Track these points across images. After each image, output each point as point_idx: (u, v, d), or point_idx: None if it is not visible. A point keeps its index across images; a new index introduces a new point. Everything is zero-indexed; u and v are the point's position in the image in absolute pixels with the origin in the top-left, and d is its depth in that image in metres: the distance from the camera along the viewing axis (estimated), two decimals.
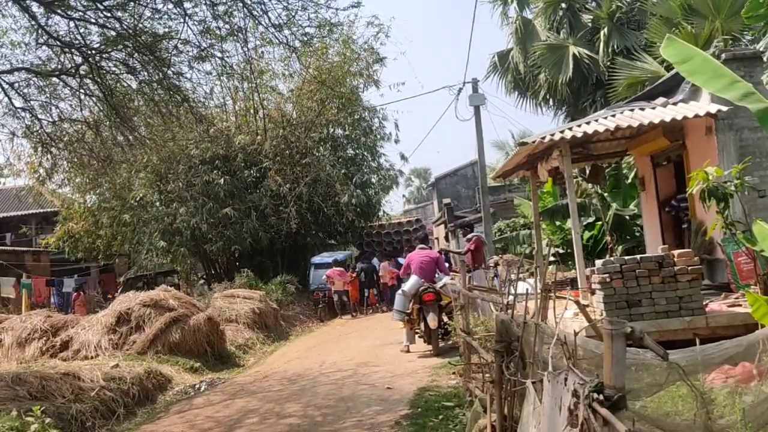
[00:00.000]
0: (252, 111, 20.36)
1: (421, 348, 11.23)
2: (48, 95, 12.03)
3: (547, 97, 20.61)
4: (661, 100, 9.25)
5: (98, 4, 9.97)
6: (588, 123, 9.01)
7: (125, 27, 10.19)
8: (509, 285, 4.91)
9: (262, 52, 12.55)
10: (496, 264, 16.17)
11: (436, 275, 11.42)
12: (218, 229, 20.94)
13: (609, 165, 13.91)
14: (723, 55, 8.42)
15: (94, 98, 11.78)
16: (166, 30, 10.65)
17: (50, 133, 12.61)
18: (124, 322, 12.36)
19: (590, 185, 14.76)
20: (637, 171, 12.60)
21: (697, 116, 8.38)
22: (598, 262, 7.21)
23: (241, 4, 9.90)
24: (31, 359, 11.50)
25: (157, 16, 10.34)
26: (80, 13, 10.31)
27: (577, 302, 3.82)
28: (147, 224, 22.16)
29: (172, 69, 11.12)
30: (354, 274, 20.55)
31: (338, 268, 20.43)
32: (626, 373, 2.33)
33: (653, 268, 6.87)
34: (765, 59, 8.86)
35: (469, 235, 13.82)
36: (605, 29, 18.34)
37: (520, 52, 20.76)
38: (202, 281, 24.66)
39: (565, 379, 2.43)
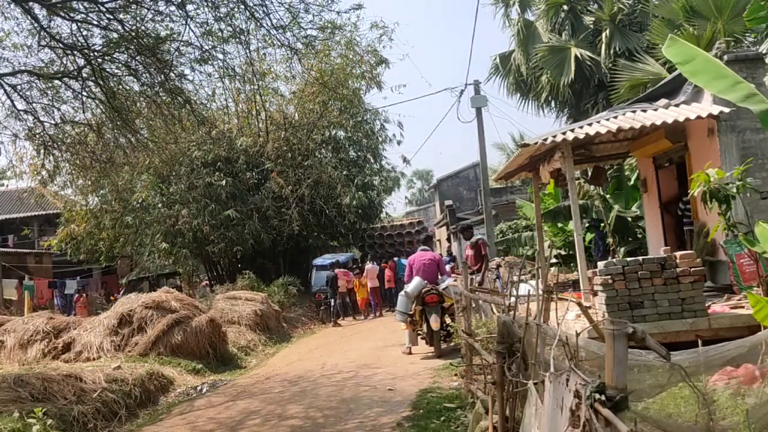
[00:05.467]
0: (254, 113, 20.40)
1: (423, 350, 11.22)
2: (50, 97, 12.07)
3: (549, 98, 20.60)
4: (663, 101, 9.23)
5: (100, 7, 10.00)
6: (590, 124, 9.00)
7: (127, 29, 10.21)
8: (511, 287, 4.90)
9: (264, 54, 12.59)
10: (498, 266, 16.17)
11: (439, 277, 11.43)
12: (220, 231, 20.95)
13: (611, 167, 13.90)
14: (725, 57, 8.40)
15: (96, 100, 11.81)
16: (168, 32, 10.69)
17: (53, 135, 12.64)
18: (126, 324, 12.37)
19: (592, 187, 14.75)
20: (639, 173, 12.59)
21: (699, 118, 8.36)
22: (600, 264, 7.19)
23: (243, 7, 9.92)
24: (33, 361, 11.51)
25: (159, 19, 10.39)
26: (82, 15, 10.34)
27: (579, 304, 3.82)
28: (149, 226, 22.19)
29: (174, 71, 11.14)
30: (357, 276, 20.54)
31: (342, 270, 20.38)
32: (628, 374, 2.32)
33: (655, 270, 6.86)
34: (767, 61, 8.84)
35: (473, 239, 13.72)
36: (607, 31, 18.33)
37: (522, 54, 20.76)
38: (204, 283, 24.69)
39: (567, 380, 2.42)
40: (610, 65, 17.02)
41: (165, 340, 11.89)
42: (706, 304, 7.01)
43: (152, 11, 10.23)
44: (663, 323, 6.75)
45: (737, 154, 8.42)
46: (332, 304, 19.55)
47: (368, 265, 21.34)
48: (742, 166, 6.24)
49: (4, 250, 26.07)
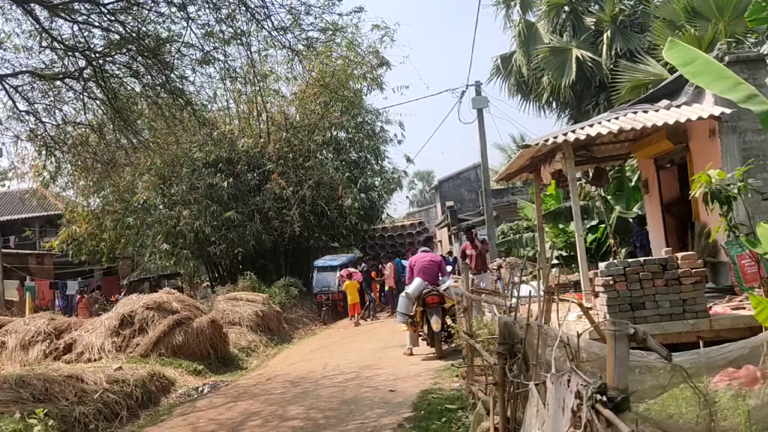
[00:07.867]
0: (255, 114, 20.43)
1: (424, 351, 11.22)
2: (52, 98, 12.08)
3: (550, 99, 20.61)
4: (664, 102, 9.23)
5: (102, 8, 10.01)
6: (591, 125, 8.99)
7: (129, 30, 10.22)
8: (512, 288, 4.90)
9: (266, 55, 12.59)
10: (499, 267, 16.16)
11: (439, 278, 11.43)
12: (221, 232, 20.96)
13: (612, 168, 13.89)
14: (726, 58, 8.40)
15: (97, 101, 11.82)
16: (170, 33, 10.70)
17: (54, 136, 12.65)
18: (127, 325, 12.37)
19: (593, 188, 14.74)
20: (640, 174, 12.59)
21: (700, 119, 8.36)
22: (602, 265, 7.19)
23: (244, 8, 9.93)
24: (35, 362, 11.51)
25: (160, 20, 10.40)
26: (84, 16, 10.36)
27: (581, 305, 3.82)
28: (150, 227, 22.20)
29: (176, 72, 11.15)
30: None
31: (350, 269, 20.31)
32: (630, 375, 2.32)
33: (657, 271, 6.86)
34: None
35: (481, 237, 13.48)
36: (608, 32, 18.34)
37: (523, 55, 20.77)
38: (205, 284, 24.70)
39: (568, 381, 2.42)
40: (612, 66, 17.03)
41: (166, 341, 11.89)
42: (708, 305, 7.01)
43: (153, 13, 10.25)
44: (664, 324, 6.75)
45: (738, 155, 8.42)
46: (366, 300, 19.48)
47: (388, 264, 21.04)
48: (744, 167, 6.23)
49: (5, 251, 26.04)
